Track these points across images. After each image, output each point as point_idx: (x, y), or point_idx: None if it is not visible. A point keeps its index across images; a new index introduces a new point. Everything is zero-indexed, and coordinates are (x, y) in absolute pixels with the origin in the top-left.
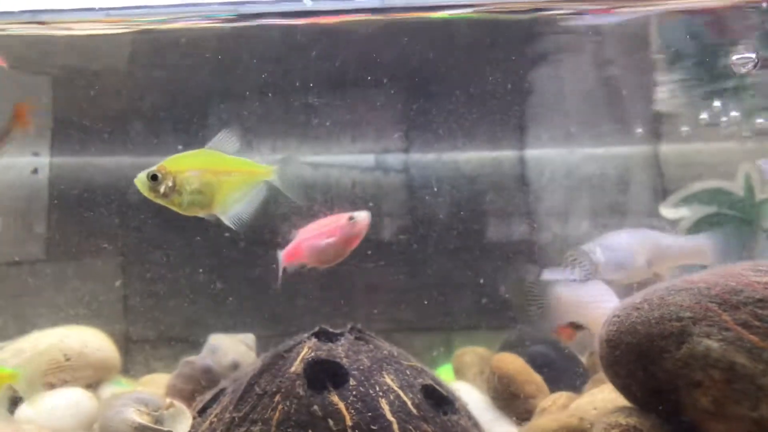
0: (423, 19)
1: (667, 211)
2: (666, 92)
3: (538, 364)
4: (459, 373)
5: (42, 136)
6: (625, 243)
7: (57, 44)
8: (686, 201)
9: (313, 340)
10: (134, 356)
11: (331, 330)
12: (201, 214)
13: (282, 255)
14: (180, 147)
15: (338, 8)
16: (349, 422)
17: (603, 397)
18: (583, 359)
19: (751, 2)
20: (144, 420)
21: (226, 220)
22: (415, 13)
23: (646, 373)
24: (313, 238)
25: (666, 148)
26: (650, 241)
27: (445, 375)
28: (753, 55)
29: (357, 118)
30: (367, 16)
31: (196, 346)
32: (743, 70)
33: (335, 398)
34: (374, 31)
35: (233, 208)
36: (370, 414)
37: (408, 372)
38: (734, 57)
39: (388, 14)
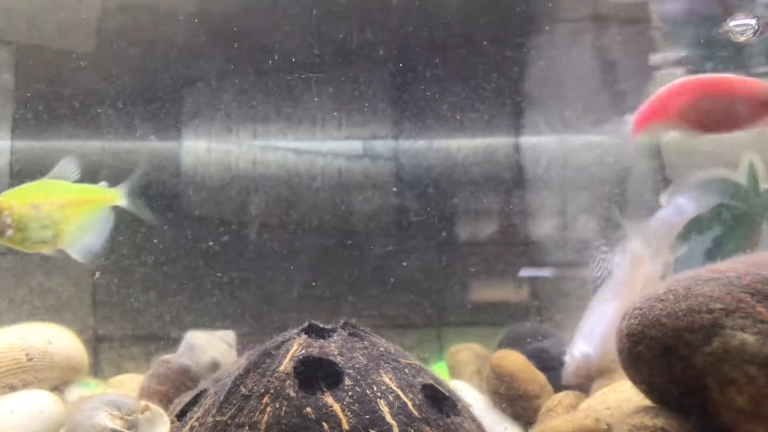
0: None
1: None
2: (666, 74)
3: (539, 361)
4: (454, 372)
5: (2, 118)
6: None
7: (20, 14)
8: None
9: (303, 336)
10: (103, 355)
11: (321, 325)
12: (46, 250)
13: (633, 118)
14: (154, 132)
15: None
16: (345, 426)
17: (616, 396)
18: None
19: None
20: (117, 425)
21: (75, 254)
22: None
23: (673, 369)
24: (713, 88)
25: (667, 136)
26: (652, 230)
27: (438, 374)
28: (752, 21)
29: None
30: None
31: (171, 343)
32: (742, 38)
33: (330, 399)
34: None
35: (81, 240)
36: (368, 417)
37: (407, 370)
38: (731, 23)
39: None
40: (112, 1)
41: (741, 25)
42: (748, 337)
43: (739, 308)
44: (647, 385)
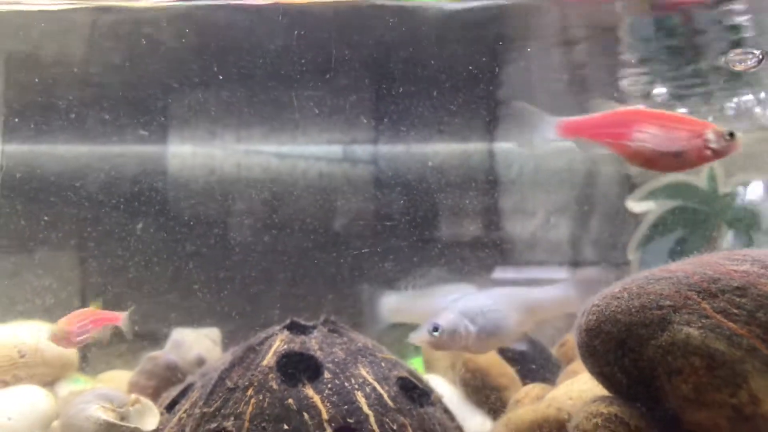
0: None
1: (633, 205)
2: (630, 80)
3: (508, 355)
4: (429, 366)
5: None
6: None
7: (8, 22)
8: (652, 194)
9: (285, 332)
10: (92, 352)
11: (303, 322)
12: None
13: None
14: (141, 137)
15: None
16: (325, 416)
17: (578, 387)
18: (553, 350)
19: None
20: (109, 416)
21: None
22: None
23: (627, 361)
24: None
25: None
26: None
27: (414, 368)
28: (757, 52)
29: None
30: None
31: (158, 341)
32: (741, 67)
33: (310, 391)
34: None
35: None
36: (346, 407)
37: (383, 364)
38: (731, 53)
39: None
40: (103, 12)
41: (743, 54)
42: (693, 331)
43: (686, 305)
44: (603, 377)
